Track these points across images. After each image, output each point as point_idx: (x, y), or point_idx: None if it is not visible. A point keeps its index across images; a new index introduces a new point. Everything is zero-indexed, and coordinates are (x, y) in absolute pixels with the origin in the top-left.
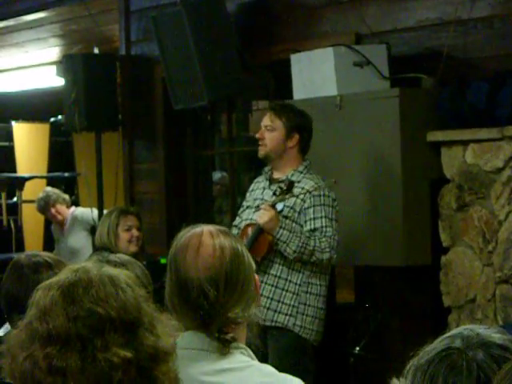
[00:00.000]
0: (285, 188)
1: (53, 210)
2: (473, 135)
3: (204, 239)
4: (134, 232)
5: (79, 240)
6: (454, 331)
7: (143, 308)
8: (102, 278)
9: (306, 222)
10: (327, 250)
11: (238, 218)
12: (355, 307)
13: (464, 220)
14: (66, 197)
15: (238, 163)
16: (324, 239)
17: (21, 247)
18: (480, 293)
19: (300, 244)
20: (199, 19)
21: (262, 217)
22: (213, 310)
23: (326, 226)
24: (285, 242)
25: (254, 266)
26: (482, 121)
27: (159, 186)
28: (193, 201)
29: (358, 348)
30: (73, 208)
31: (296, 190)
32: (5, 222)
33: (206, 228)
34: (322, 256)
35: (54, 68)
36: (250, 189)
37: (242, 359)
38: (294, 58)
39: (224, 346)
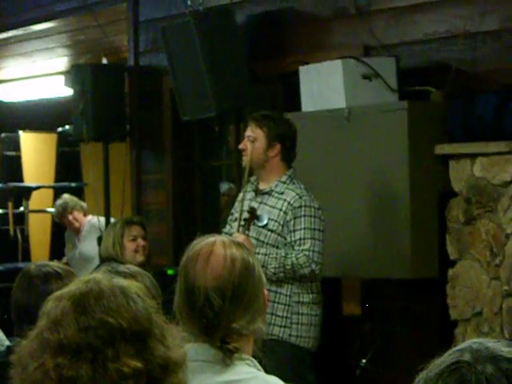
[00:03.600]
0: (248, 217)
1: (70, 217)
2: (481, 149)
3: (216, 249)
4: (140, 241)
5: (94, 248)
6: (462, 345)
7: (154, 319)
8: (113, 289)
9: (287, 234)
10: (306, 264)
11: (227, 225)
12: (362, 319)
13: (471, 233)
14: (84, 204)
15: None
16: (301, 254)
17: (27, 257)
18: (487, 306)
19: (277, 265)
20: (208, 30)
21: None
22: (217, 319)
23: (304, 238)
24: (263, 266)
25: (264, 280)
26: (490, 134)
27: (166, 197)
28: (200, 212)
29: (364, 360)
30: (90, 216)
31: (264, 210)
32: (11, 232)
33: (219, 238)
34: (303, 272)
35: (62, 78)
36: (239, 198)
37: (248, 370)
38: (303, 70)
39: (227, 357)
